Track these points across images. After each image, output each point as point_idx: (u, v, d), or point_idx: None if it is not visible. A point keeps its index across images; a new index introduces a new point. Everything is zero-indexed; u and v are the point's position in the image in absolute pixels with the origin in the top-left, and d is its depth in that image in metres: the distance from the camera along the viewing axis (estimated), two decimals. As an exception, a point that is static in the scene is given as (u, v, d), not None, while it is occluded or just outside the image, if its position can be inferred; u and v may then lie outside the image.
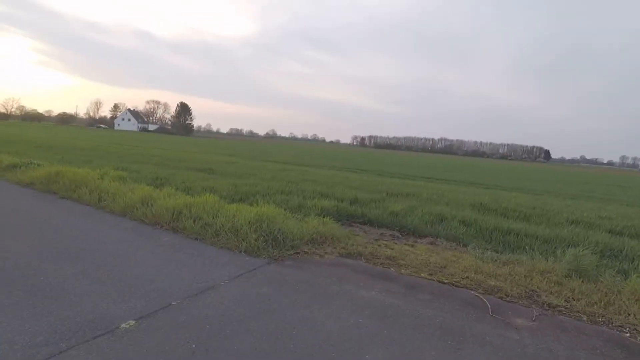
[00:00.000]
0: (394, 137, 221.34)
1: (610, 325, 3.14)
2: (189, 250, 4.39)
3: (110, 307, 2.95)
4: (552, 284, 3.94)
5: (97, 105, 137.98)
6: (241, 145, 55.28)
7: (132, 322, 2.74)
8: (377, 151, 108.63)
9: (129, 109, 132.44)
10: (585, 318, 3.26)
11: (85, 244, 4.40)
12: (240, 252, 4.41)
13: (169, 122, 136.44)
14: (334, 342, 2.62)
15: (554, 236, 6.04)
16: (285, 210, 5.91)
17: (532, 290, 3.78)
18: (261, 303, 3.15)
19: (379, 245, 5.10)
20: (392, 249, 4.99)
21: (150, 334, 2.60)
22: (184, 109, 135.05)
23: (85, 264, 3.77)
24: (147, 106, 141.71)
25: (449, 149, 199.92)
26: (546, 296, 3.64)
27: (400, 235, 5.95)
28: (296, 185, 9.64)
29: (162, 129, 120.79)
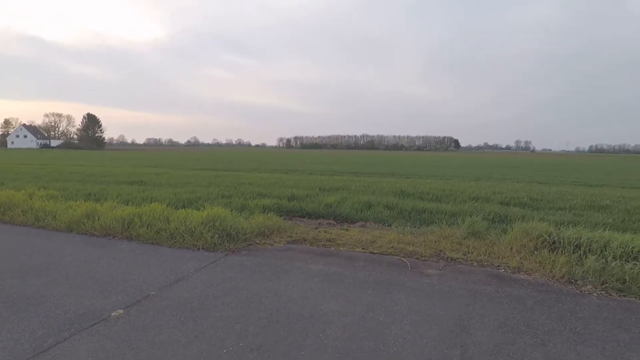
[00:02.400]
0: (319, 136, 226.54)
1: (492, 266, 4.31)
2: (150, 253, 4.78)
3: (94, 303, 3.33)
4: (454, 245, 5.09)
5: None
6: (163, 155, 52.76)
7: (121, 311, 3.18)
8: (303, 151, 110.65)
9: (24, 124, 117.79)
10: (475, 264, 4.39)
11: (41, 259, 4.54)
12: (198, 249, 4.91)
13: (75, 136, 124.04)
14: (294, 302, 3.35)
15: (459, 210, 7.40)
16: (231, 210, 6.45)
17: (440, 250, 4.88)
18: (229, 283, 3.76)
19: (319, 232, 5.91)
20: (330, 233, 5.85)
21: (141, 316, 3.08)
22: (91, 121, 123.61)
23: (53, 275, 4.01)
24: (47, 120, 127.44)
25: (370, 144, 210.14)
26: (449, 253, 4.76)
27: (336, 223, 6.84)
28: (235, 188, 10.11)
29: (67, 144, 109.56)
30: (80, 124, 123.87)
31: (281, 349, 2.58)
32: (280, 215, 6.84)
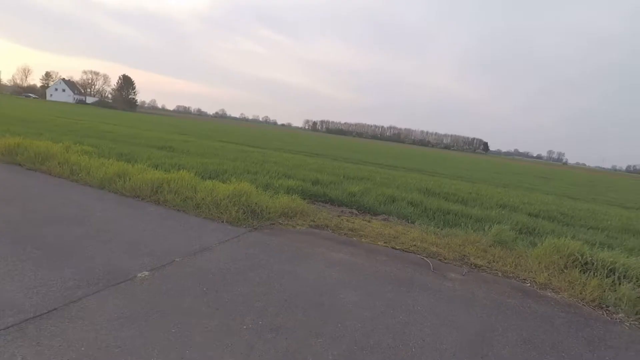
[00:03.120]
0: (345, 122, 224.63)
1: (517, 278, 4.18)
2: (176, 219, 4.88)
3: (122, 262, 3.43)
4: (479, 251, 4.97)
5: (25, 72, 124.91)
6: (191, 124, 53.60)
7: (147, 273, 3.27)
8: (329, 136, 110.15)
9: (64, 79, 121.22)
10: (500, 274, 4.27)
11: (75, 212, 4.71)
12: (223, 222, 4.97)
13: (110, 96, 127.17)
14: (314, 287, 3.35)
15: (485, 216, 7.20)
16: (256, 188, 6.49)
17: (464, 255, 4.77)
18: (251, 260, 3.79)
19: (342, 220, 5.88)
20: (353, 222, 5.80)
21: (165, 280, 3.16)
22: (126, 82, 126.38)
23: (85, 229, 4.15)
24: (84, 77, 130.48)
25: (397, 137, 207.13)
26: (474, 259, 4.65)
27: (358, 213, 6.79)
28: (260, 166, 10.17)
29: (102, 103, 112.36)
30: (115, 84, 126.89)
31: (299, 333, 2.59)
32: (304, 199, 6.83)
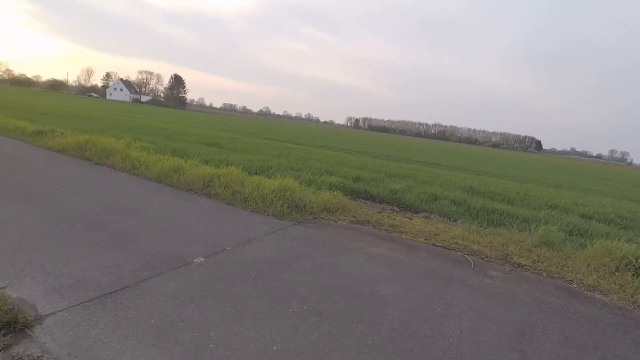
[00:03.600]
0: (388, 120, 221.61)
1: (562, 279, 4.08)
2: (225, 212, 5.23)
3: (179, 248, 3.79)
4: (524, 251, 4.87)
5: (89, 73, 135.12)
6: (237, 121, 55.45)
7: (202, 259, 3.59)
8: (371, 133, 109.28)
9: (121, 79, 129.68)
10: (545, 274, 4.19)
11: (136, 203, 5.20)
12: (268, 215, 5.26)
13: (162, 94, 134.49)
14: (355, 279, 3.51)
15: (532, 216, 6.98)
16: (300, 183, 6.74)
17: (507, 254, 4.71)
18: (295, 251, 4.02)
19: (382, 216, 5.98)
20: (394, 219, 5.88)
21: (218, 267, 3.46)
22: (177, 82, 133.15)
23: (145, 218, 4.60)
24: (140, 77, 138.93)
25: (442, 134, 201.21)
26: (517, 258, 4.58)
27: (399, 210, 6.84)
28: (303, 162, 10.46)
29: (155, 101, 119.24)
30: (167, 83, 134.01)
31: (341, 319, 2.77)
32: (345, 195, 6.99)
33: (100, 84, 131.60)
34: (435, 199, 7.62)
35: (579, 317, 3.21)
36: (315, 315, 2.78)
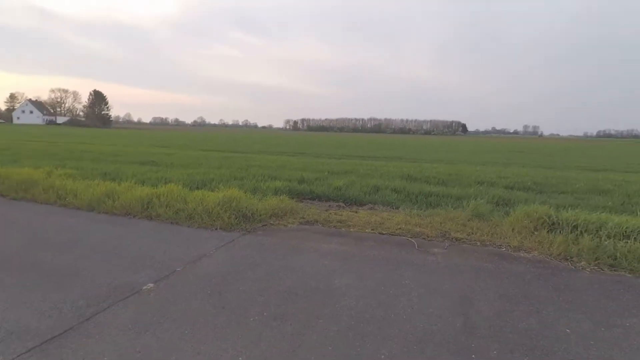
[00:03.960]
0: (326, 119, 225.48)
1: (493, 245, 4.55)
2: (170, 232, 5.07)
3: (125, 277, 3.62)
4: (459, 226, 5.32)
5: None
6: (170, 135, 53.03)
7: (152, 285, 3.47)
8: (310, 134, 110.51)
9: (30, 100, 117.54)
10: (478, 243, 4.63)
11: (69, 236, 4.85)
12: (216, 229, 5.18)
13: (82, 113, 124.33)
14: (310, 277, 3.62)
15: (464, 194, 7.60)
16: (245, 192, 6.70)
17: (445, 231, 5.11)
18: (248, 260, 4.03)
19: (330, 214, 6.16)
20: (341, 215, 6.09)
21: (171, 289, 3.37)
22: (98, 98, 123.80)
23: (82, 250, 4.31)
24: (53, 96, 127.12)
25: (377, 128, 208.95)
26: (454, 233, 4.99)
27: (345, 205, 7.09)
28: (245, 170, 10.36)
29: (74, 121, 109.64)
30: (86, 100, 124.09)
31: (302, 317, 2.86)
32: (292, 198, 7.08)
33: (4, 108, 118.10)
34: (378, 190, 7.99)
35: (509, 275, 3.62)
36: (276, 319, 2.84)
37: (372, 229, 5.26)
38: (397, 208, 6.73)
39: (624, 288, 3.36)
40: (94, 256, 4.16)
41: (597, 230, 4.31)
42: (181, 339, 2.59)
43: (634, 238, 4.12)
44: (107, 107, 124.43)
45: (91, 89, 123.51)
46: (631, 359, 2.36)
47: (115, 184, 7.04)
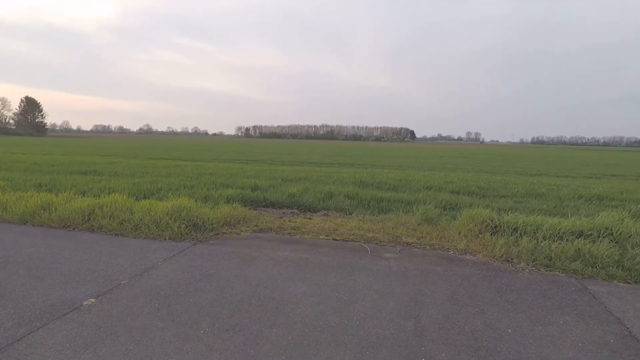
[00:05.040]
0: (278, 125, 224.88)
1: (442, 249, 4.76)
2: (115, 244, 4.77)
3: (63, 293, 3.35)
4: (410, 230, 5.52)
5: None
6: (114, 143, 50.13)
7: (93, 300, 3.24)
8: (263, 141, 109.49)
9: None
10: (428, 247, 4.83)
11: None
12: (165, 239, 4.96)
13: (12, 122, 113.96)
14: (264, 285, 3.57)
15: (414, 199, 7.90)
16: (195, 201, 6.49)
17: (397, 236, 5.28)
18: (200, 270, 3.90)
19: (284, 221, 6.13)
20: (295, 222, 6.08)
21: (115, 304, 3.17)
22: (31, 105, 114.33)
23: (13, 268, 3.93)
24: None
25: (330, 134, 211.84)
26: (405, 238, 5.17)
27: (299, 212, 7.09)
28: (196, 179, 10.04)
29: (3, 130, 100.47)
30: (17, 108, 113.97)
31: (255, 327, 2.81)
32: (245, 205, 6.98)
33: None
34: (331, 196, 8.09)
35: (456, 278, 3.80)
36: (228, 330, 2.77)
37: (326, 235, 5.31)
38: (351, 214, 6.85)
39: (558, 287, 3.65)
40: (27, 272, 3.81)
41: (534, 232, 4.66)
42: (125, 355, 2.44)
43: (566, 239, 4.50)
44: (42, 115, 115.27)
45: (23, 96, 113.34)
46: (565, 356, 2.56)
47: (52, 195, 6.52)
